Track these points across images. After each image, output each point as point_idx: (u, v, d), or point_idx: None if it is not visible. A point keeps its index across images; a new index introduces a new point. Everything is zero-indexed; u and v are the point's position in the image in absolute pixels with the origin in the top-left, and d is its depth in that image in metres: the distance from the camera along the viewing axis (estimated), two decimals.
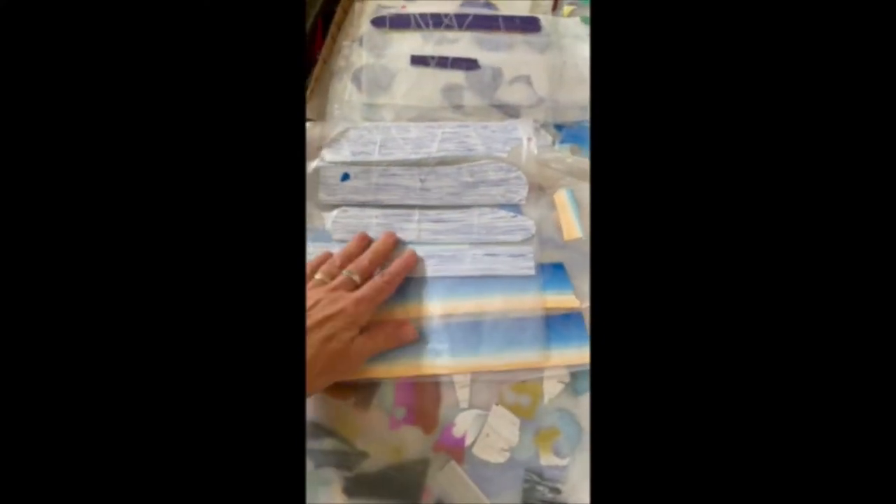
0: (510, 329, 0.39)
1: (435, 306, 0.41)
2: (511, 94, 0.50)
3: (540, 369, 0.38)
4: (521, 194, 0.44)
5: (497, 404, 0.38)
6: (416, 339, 0.39)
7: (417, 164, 0.46)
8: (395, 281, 0.40)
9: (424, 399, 0.38)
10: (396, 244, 0.43)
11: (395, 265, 0.41)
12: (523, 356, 0.38)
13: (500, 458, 0.36)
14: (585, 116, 0.48)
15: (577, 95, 0.49)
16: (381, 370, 0.39)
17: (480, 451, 0.37)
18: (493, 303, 0.40)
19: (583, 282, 0.41)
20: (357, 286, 0.39)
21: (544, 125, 0.48)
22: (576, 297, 0.40)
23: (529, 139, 0.46)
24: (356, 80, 0.52)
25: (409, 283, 0.42)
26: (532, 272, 0.41)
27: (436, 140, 0.47)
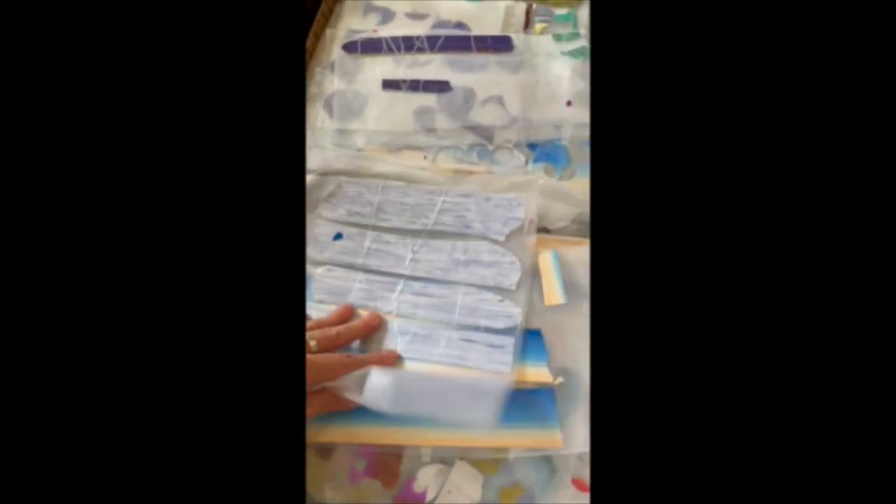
0: (474, 398, 0.35)
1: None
2: (484, 116, 0.47)
3: (504, 450, 0.35)
4: (512, 279, 0.40)
5: (460, 459, 0.34)
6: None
7: (412, 233, 0.43)
8: (356, 364, 0.36)
9: (386, 452, 0.35)
10: (380, 327, 0.40)
11: (367, 357, 0.37)
12: (485, 435, 0.35)
13: None
14: (558, 134, 0.46)
15: (550, 113, 0.46)
16: (339, 434, 0.36)
17: None
18: (462, 370, 0.37)
19: (560, 351, 0.38)
20: (311, 352, 0.36)
21: (517, 145, 0.45)
22: (549, 372, 0.37)
23: (531, 221, 0.42)
24: (328, 106, 0.50)
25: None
26: (507, 369, 0.37)
27: (435, 209, 0.44)
